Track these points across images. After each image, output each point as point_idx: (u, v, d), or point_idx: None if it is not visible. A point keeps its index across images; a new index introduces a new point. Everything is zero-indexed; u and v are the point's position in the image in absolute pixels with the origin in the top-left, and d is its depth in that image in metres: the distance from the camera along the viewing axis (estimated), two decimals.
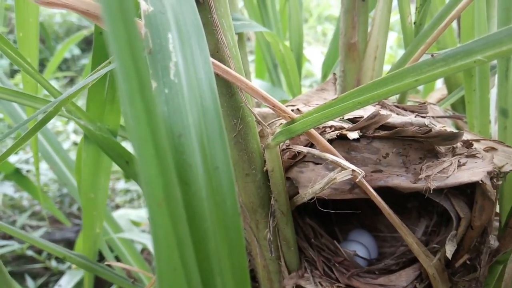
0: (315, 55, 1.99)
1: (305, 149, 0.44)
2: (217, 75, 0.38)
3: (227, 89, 0.41)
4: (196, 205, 0.29)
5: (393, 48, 1.93)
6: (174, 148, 0.29)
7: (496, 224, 0.52)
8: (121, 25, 0.22)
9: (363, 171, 0.39)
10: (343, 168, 0.40)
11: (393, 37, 1.90)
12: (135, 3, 0.46)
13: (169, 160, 0.25)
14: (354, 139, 0.44)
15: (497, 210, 0.52)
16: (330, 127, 0.45)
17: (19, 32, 0.55)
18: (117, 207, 1.69)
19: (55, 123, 1.93)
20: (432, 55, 0.33)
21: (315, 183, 0.43)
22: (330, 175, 0.40)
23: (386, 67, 0.66)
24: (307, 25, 2.92)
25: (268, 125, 0.47)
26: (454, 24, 1.02)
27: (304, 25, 2.91)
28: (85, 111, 0.54)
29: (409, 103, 0.74)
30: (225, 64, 0.39)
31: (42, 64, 2.59)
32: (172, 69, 0.31)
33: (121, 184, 1.76)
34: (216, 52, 0.39)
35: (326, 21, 2.97)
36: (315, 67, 1.96)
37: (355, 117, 0.46)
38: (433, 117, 0.54)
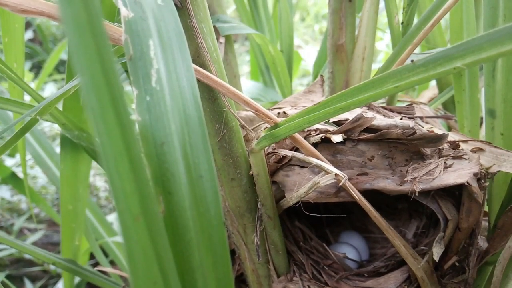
0: (312, 54, 1.99)
1: (290, 153, 0.44)
2: (198, 80, 0.38)
3: (210, 93, 0.41)
4: (179, 216, 0.29)
5: (389, 46, 1.93)
6: (156, 156, 0.29)
7: (486, 224, 0.52)
8: (88, 32, 0.22)
9: (346, 175, 0.39)
10: (327, 172, 0.40)
11: (389, 36, 1.90)
12: (114, 8, 0.46)
13: (145, 173, 0.24)
14: (339, 142, 0.44)
15: (487, 210, 0.52)
16: (315, 130, 0.45)
17: (5, 37, 0.55)
18: (115, 209, 1.69)
19: (53, 126, 1.92)
20: (412, 61, 0.32)
21: (300, 187, 0.43)
22: (314, 179, 0.40)
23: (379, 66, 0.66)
24: (304, 24, 2.91)
25: (253, 129, 0.46)
26: (447, 22, 1.01)
27: (301, 24, 2.90)
28: (71, 119, 0.54)
29: (402, 103, 0.74)
30: (206, 69, 0.39)
31: (40, 66, 2.59)
32: (154, 76, 0.30)
33: None
34: (197, 57, 0.39)
35: (323, 19, 2.96)
36: (311, 66, 1.95)
37: (340, 120, 0.46)
38: (421, 117, 0.54)
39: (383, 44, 1.93)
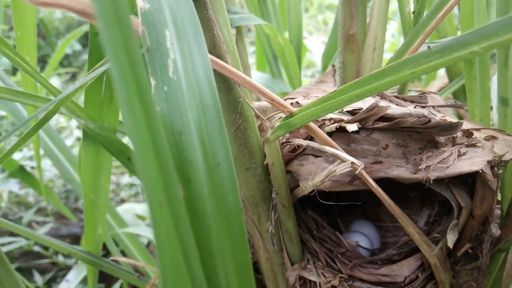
0: (316, 45, 1.98)
1: (304, 142, 0.44)
2: (214, 71, 0.38)
3: (225, 84, 0.41)
4: (198, 202, 0.29)
5: (395, 36, 1.92)
6: (175, 145, 0.29)
7: (498, 212, 0.52)
8: (116, 25, 0.22)
9: (362, 163, 0.39)
10: (343, 161, 0.40)
11: (395, 25, 1.89)
12: (131, 1, 0.46)
13: (169, 161, 0.25)
14: (353, 131, 0.44)
15: (499, 198, 0.52)
16: (330, 119, 0.46)
17: (17, 31, 0.55)
18: (122, 201, 1.70)
19: (59, 119, 1.93)
20: (428, 47, 0.33)
21: (315, 176, 0.44)
22: (330, 167, 0.41)
23: (388, 56, 0.66)
24: (308, 15, 2.90)
25: (267, 119, 0.47)
26: (456, 11, 1.01)
27: (305, 15, 2.89)
28: (87, 112, 0.54)
29: (412, 92, 0.74)
30: (222, 60, 0.39)
31: (44, 61, 2.59)
32: (171, 67, 0.31)
33: (126, 179, 1.77)
34: (213, 48, 0.39)
35: (327, 10, 2.95)
36: (316, 57, 1.94)
37: (354, 109, 0.46)
38: (433, 106, 0.54)
39: (388, 34, 1.92)
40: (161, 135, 0.24)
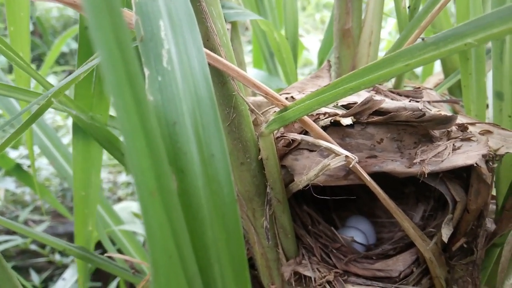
0: (313, 43, 1.98)
1: (299, 137, 0.44)
2: (208, 64, 0.38)
3: (219, 77, 0.41)
4: (192, 194, 0.29)
5: (391, 34, 1.92)
6: (169, 136, 0.29)
7: (493, 207, 0.52)
8: (106, 13, 0.22)
9: (356, 157, 0.39)
10: (337, 155, 0.40)
11: (392, 23, 1.89)
12: None
13: (161, 150, 0.24)
14: (348, 125, 0.44)
15: (494, 193, 0.52)
16: (324, 113, 0.45)
17: (10, 26, 0.55)
18: (119, 200, 1.70)
19: (55, 118, 1.92)
20: (423, 39, 0.32)
21: (310, 170, 0.43)
22: (324, 161, 0.40)
23: (384, 54, 0.66)
24: (305, 13, 2.90)
25: (262, 113, 0.47)
26: (453, 8, 1.01)
27: (302, 13, 2.88)
28: (80, 106, 0.54)
29: (407, 88, 0.74)
30: (215, 53, 0.39)
31: (40, 59, 2.58)
32: (165, 57, 0.31)
33: (123, 177, 1.77)
34: (206, 40, 0.39)
35: (324, 8, 2.95)
36: (313, 55, 1.94)
37: (349, 103, 0.46)
38: (428, 101, 0.54)
39: (385, 32, 1.92)
40: (153, 123, 0.24)
